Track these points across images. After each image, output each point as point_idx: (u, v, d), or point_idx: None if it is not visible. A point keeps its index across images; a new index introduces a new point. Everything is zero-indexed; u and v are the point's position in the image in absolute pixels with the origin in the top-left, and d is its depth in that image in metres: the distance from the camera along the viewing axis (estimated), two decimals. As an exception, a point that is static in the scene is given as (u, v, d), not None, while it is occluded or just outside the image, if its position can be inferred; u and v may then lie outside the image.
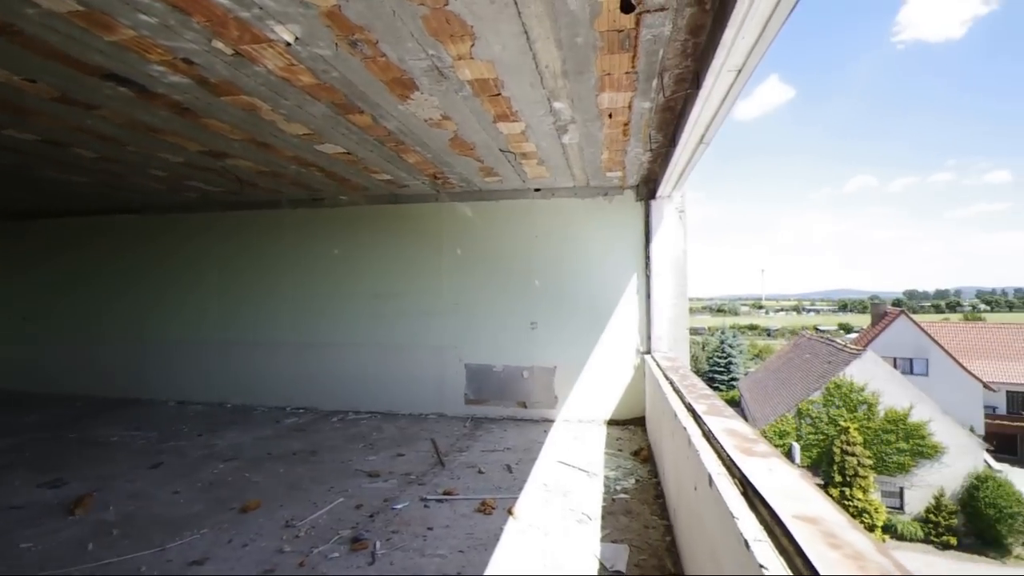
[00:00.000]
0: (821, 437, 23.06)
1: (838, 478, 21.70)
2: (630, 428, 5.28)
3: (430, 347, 5.82)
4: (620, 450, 4.60)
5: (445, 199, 5.82)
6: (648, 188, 5.45)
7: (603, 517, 3.22)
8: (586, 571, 2.60)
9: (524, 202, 5.65)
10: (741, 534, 1.44)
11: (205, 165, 4.92)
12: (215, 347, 6.62)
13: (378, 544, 2.86)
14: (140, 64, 2.80)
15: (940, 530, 21.15)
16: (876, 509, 21.15)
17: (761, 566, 1.27)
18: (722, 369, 44.50)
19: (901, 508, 22.27)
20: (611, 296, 5.54)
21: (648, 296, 5.44)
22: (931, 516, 21.49)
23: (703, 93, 2.93)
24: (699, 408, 2.73)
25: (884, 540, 21.12)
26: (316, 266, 6.27)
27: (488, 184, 5.44)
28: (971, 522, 20.87)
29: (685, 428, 2.53)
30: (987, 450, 23.24)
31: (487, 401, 5.68)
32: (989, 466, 21.93)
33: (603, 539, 2.94)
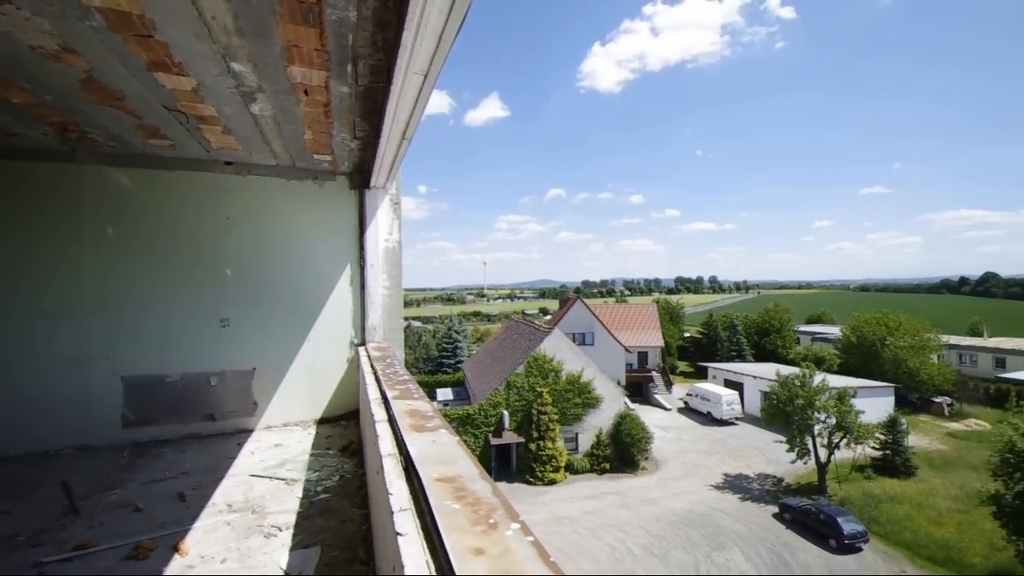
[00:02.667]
0: (524, 403, 27.64)
1: (535, 434, 26.46)
2: (343, 424, 5.13)
3: (63, 358, 4.29)
4: (329, 449, 4.41)
5: (86, 160, 4.39)
6: (362, 177, 5.36)
7: (297, 524, 3.01)
8: (265, 588, 2.37)
9: (211, 176, 4.77)
10: (390, 506, 1.53)
11: None
12: None
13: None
14: None
15: (600, 460, 28.22)
16: (561, 453, 26.73)
17: (398, 533, 1.36)
18: (450, 353, 48.37)
19: (576, 449, 28.75)
20: (323, 287, 5.24)
21: (363, 287, 5.37)
22: (594, 451, 28.46)
23: (395, 89, 3.02)
24: (391, 394, 2.82)
25: (566, 476, 26.86)
26: None
27: (155, 148, 4.38)
28: (617, 450, 28.56)
29: (373, 415, 2.58)
30: (626, 396, 32.11)
31: (158, 420, 4.58)
32: (627, 407, 30.27)
33: (293, 547, 2.75)
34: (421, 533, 1.36)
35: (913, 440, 29.10)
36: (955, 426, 35.93)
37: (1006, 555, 16.77)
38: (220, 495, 3.46)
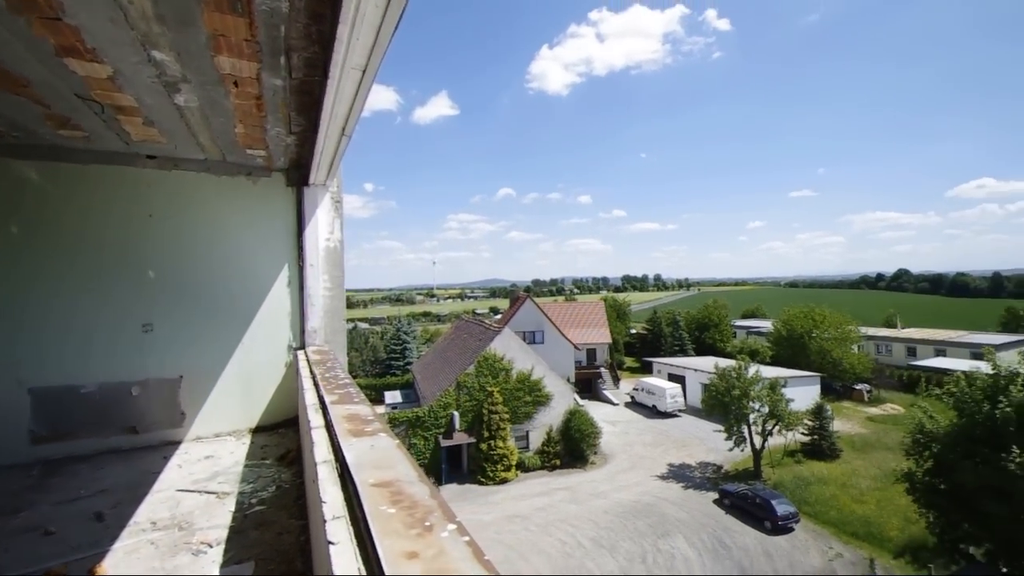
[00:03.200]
0: (475, 403, 27.56)
1: (486, 434, 26.47)
2: (280, 432, 4.91)
3: (-46, 370, 3.87)
4: (265, 458, 4.22)
5: (-15, 152, 3.97)
6: (300, 174, 5.16)
7: (229, 539, 2.86)
8: (193, 608, 2.24)
9: (132, 171, 4.42)
10: (323, 515, 1.49)
11: None
12: None
13: None
14: None
15: (551, 457, 28.61)
16: (512, 452, 26.87)
17: (329, 542, 1.33)
18: (398, 355, 47.48)
19: (528, 447, 29.00)
20: (258, 289, 5.00)
21: (302, 288, 5.16)
22: (545, 448, 28.82)
23: (332, 84, 2.94)
24: (329, 399, 2.74)
25: (517, 475, 27.05)
26: None
27: (67, 140, 4.02)
28: (567, 446, 29.06)
29: (310, 421, 2.49)
30: (575, 392, 32.78)
31: (73, 434, 4.19)
32: (577, 403, 30.90)
33: (225, 564, 2.61)
34: (354, 540, 1.34)
35: (837, 425, 31.53)
36: (873, 411, 39.29)
37: (918, 527, 18.50)
38: (143, 512, 3.23)
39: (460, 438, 26.63)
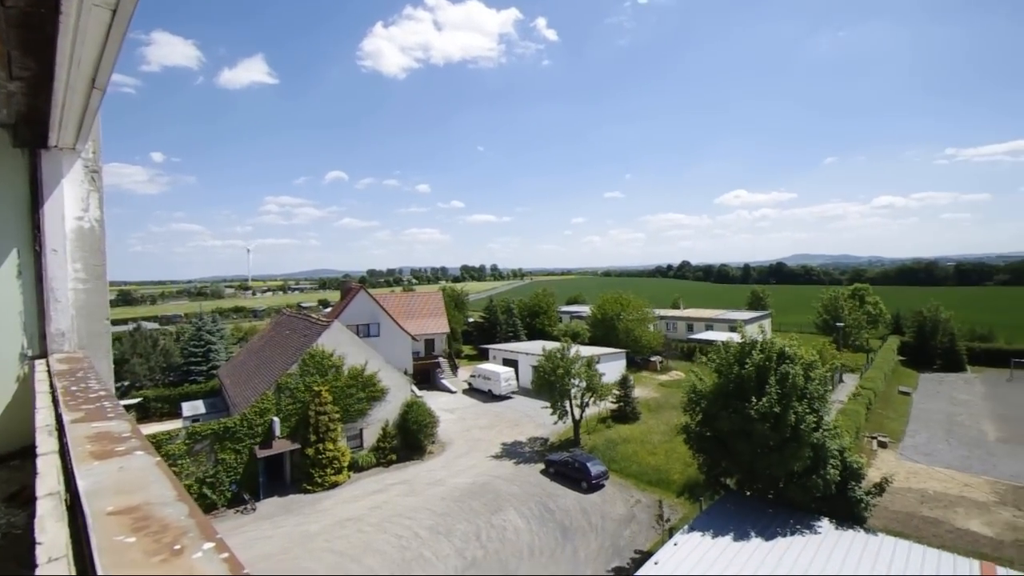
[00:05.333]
0: (299, 405, 25.32)
1: (313, 437, 24.59)
2: (13, 464, 3.79)
3: None
4: (-17, 500, 3.22)
5: None
6: (35, 132, 3.98)
7: (-92, 617, 2.11)
8: None
9: None
10: (35, 559, 1.18)
11: None
12: None
13: None
14: None
15: (387, 453, 27.89)
16: (343, 453, 25.46)
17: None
18: (200, 358, 40.95)
19: (361, 446, 27.80)
20: (-33, 282, 3.77)
21: (41, 280, 4.04)
22: (380, 444, 27.97)
23: (67, 20, 2.32)
24: (71, 417, 2.20)
25: (349, 476, 25.76)
26: None
27: None
28: (405, 439, 28.64)
29: (37, 447, 1.97)
30: (413, 384, 32.42)
31: None
32: (415, 394, 30.59)
33: None
34: (74, 584, 1.09)
35: (638, 392, 37.10)
36: (663, 377, 47.33)
37: (693, 469, 22.83)
38: None
39: (282, 445, 24.17)
